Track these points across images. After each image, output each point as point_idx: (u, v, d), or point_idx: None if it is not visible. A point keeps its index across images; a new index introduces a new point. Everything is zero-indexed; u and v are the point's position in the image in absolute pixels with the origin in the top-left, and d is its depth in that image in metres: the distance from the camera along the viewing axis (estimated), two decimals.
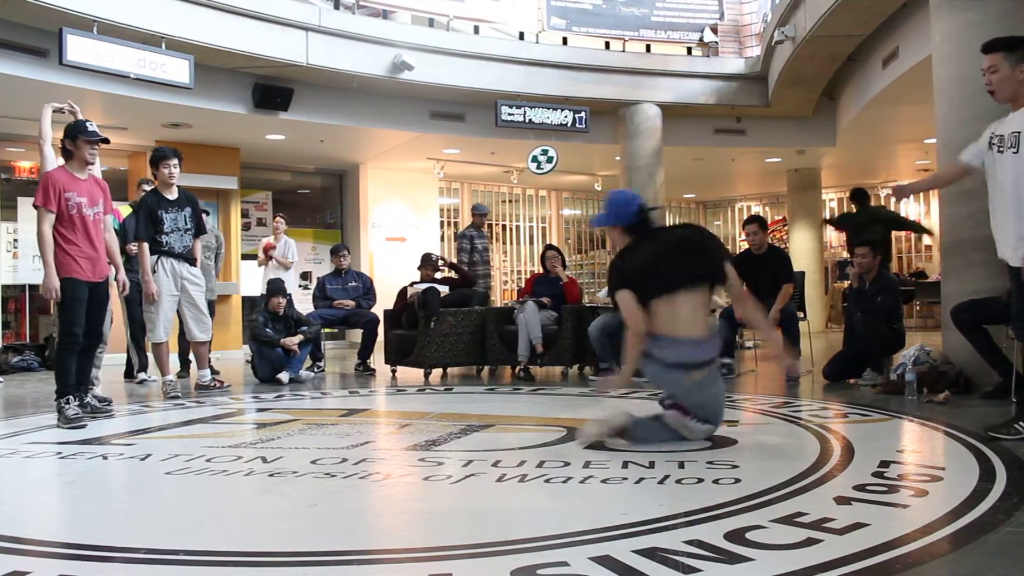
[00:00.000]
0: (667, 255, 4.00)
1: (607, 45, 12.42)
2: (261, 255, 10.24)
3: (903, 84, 9.12)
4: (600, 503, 3.02)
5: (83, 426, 5.04)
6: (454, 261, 9.75)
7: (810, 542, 2.41)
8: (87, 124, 5.35)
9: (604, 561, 2.29)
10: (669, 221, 18.46)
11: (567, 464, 3.59)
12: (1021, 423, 3.97)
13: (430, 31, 11.21)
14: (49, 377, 8.08)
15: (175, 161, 6.80)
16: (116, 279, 5.69)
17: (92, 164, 5.41)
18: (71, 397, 5.17)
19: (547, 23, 12.04)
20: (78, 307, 5.16)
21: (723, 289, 4.36)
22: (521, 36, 12.01)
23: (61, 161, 6.46)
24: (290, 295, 8.17)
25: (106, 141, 5.47)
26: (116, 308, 7.15)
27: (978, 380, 5.60)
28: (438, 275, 8.81)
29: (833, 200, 18.15)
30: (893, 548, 2.35)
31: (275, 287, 8.03)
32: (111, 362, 8.53)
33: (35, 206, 5.11)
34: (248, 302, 12.20)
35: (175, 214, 6.78)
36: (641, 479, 3.29)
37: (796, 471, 3.36)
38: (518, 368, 7.70)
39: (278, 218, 10.57)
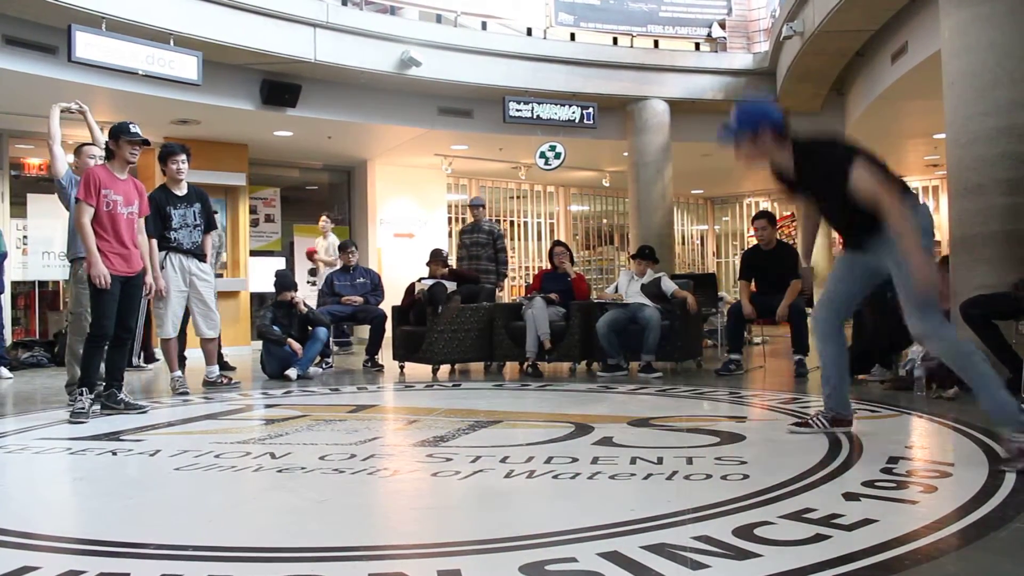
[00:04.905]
0: None
1: (615, 41, 12.39)
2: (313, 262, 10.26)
3: (912, 79, 9.08)
4: (608, 499, 3.02)
5: (83, 422, 5.07)
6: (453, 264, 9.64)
7: (819, 538, 2.41)
8: (130, 125, 5.47)
9: (612, 557, 2.29)
10: (678, 218, 18.47)
11: (575, 460, 3.59)
12: None
13: (438, 27, 11.20)
14: (59, 373, 8.11)
15: (183, 157, 6.82)
16: (145, 280, 5.71)
17: (133, 164, 5.54)
18: (86, 390, 5.24)
19: (555, 19, 12.03)
20: (110, 300, 5.27)
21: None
22: (529, 32, 11.99)
23: (71, 159, 6.51)
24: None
25: (146, 142, 5.60)
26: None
27: None
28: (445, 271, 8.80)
29: None
30: (902, 544, 2.35)
31: (283, 281, 8.03)
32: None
33: (76, 199, 5.27)
34: (257, 298, 12.24)
35: (184, 210, 6.79)
36: (649, 475, 3.29)
37: (805, 467, 3.35)
38: (526, 364, 7.70)
39: (323, 217, 10.84)
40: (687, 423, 4.65)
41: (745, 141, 3.79)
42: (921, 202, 3.80)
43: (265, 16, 9.40)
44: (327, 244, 11.44)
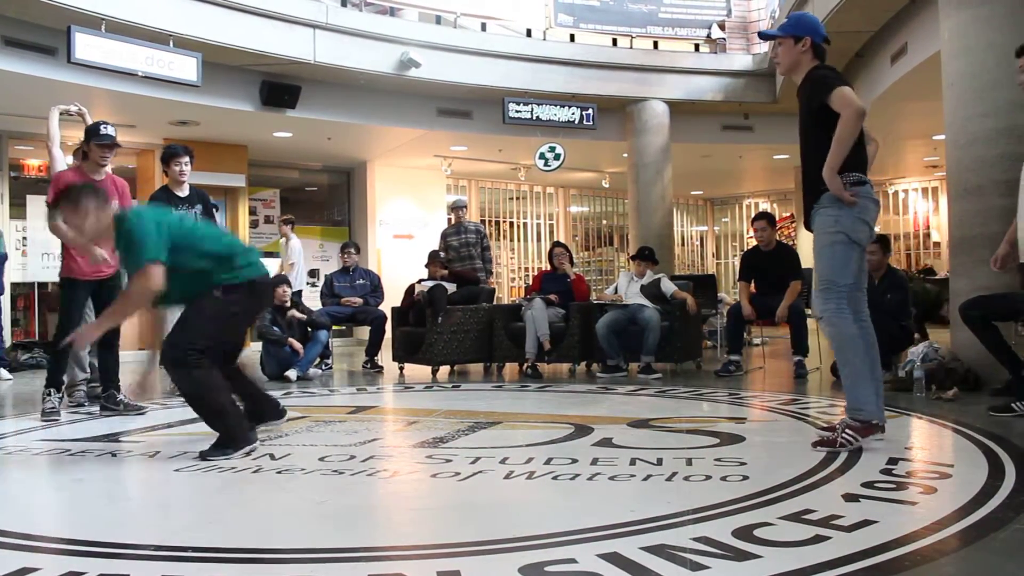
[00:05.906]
0: None
1: (614, 42, 12.41)
2: None
3: (912, 80, 9.08)
4: (608, 500, 3.02)
5: (56, 419, 5.17)
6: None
7: (818, 539, 2.41)
8: (100, 127, 5.43)
9: (612, 558, 2.29)
10: (677, 219, 18.47)
11: (575, 461, 3.59)
12: (1019, 403, 4.38)
13: (437, 28, 11.21)
14: None
15: (186, 159, 6.80)
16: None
17: (104, 166, 5.49)
18: (53, 390, 5.30)
19: (554, 20, 12.04)
20: (76, 309, 5.26)
21: None
22: (528, 33, 12.01)
23: (71, 160, 6.50)
24: (299, 291, 8.17)
25: (112, 145, 5.52)
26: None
27: (987, 377, 5.58)
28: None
29: None
30: (901, 545, 2.35)
31: (276, 279, 8.04)
32: None
33: (47, 204, 5.24)
34: None
35: (185, 211, 6.78)
36: (649, 476, 3.29)
37: (804, 468, 3.35)
38: (525, 365, 7.70)
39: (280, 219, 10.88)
40: (687, 424, 4.65)
41: (786, 43, 3.89)
42: (873, 197, 3.90)
43: (264, 17, 9.41)
44: (289, 247, 10.88)
